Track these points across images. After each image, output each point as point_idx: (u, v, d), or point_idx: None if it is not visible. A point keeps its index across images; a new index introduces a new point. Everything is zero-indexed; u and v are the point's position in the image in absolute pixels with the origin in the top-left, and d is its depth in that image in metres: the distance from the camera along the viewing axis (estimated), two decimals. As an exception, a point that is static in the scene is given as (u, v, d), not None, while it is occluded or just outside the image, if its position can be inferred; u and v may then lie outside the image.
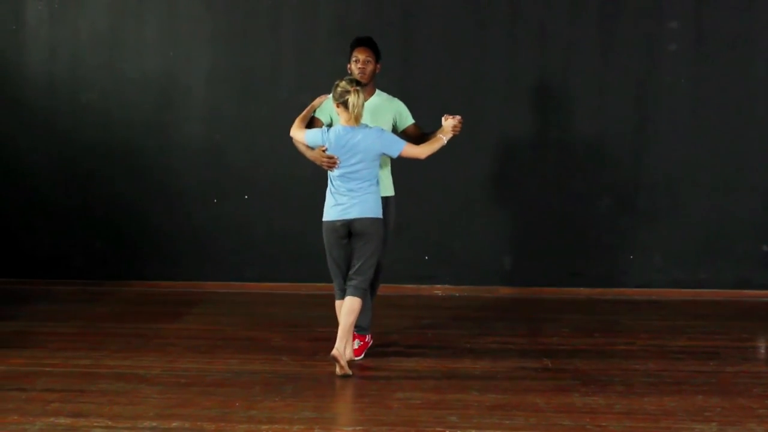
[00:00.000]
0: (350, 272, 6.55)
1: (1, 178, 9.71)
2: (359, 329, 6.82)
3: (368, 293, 6.72)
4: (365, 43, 6.89)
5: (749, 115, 9.12)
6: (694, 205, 9.19)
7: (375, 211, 6.52)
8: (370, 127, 6.50)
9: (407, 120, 7.02)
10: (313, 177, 9.02)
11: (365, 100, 6.57)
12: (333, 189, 6.55)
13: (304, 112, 6.77)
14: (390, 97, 7.03)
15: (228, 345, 7.42)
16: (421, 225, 9.30)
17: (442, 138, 6.63)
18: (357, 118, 6.42)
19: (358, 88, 6.37)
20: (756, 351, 7.52)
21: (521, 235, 9.35)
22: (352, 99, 6.33)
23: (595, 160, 9.25)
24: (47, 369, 6.76)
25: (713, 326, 8.10)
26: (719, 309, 8.74)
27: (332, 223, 6.54)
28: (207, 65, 9.51)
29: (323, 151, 6.45)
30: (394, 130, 6.95)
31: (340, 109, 6.42)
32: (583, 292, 9.26)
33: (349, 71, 6.77)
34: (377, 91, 6.96)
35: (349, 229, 6.50)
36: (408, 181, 9.15)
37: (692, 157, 9.17)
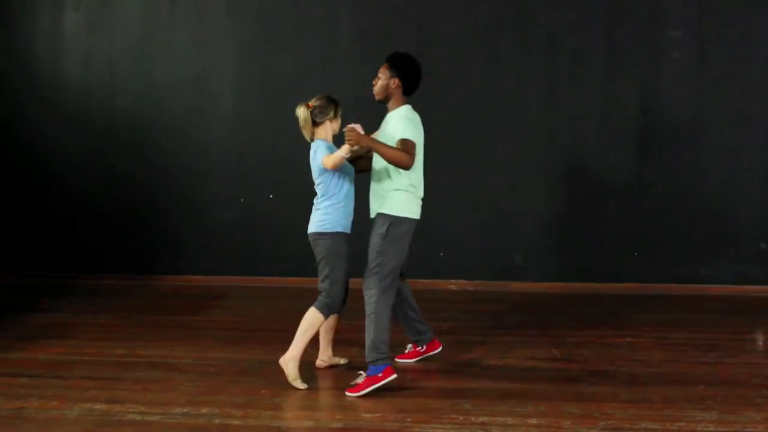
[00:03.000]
0: None
1: (42, 180, 9.79)
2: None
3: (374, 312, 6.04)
4: (385, 59, 6.28)
5: (748, 119, 9.09)
6: (696, 205, 9.17)
7: (317, 225, 6.15)
8: (316, 142, 6.14)
9: (395, 134, 5.97)
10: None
11: (389, 112, 6.21)
12: None
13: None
14: (398, 111, 6.15)
15: (254, 336, 7.45)
16: (437, 223, 9.30)
17: (342, 147, 5.92)
18: (307, 135, 6.19)
19: (304, 104, 6.10)
20: (754, 343, 7.52)
21: (531, 234, 9.35)
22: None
23: (601, 163, 9.25)
24: (85, 358, 6.83)
25: (713, 320, 8.09)
26: (719, 303, 8.72)
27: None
28: (234, 72, 9.54)
29: None
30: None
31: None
32: (590, 287, 9.25)
33: None
34: (402, 107, 6.18)
35: None
36: (427, 183, 9.19)
37: (693, 159, 9.15)
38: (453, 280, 9.43)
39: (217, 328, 7.81)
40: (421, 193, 6.20)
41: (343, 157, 5.88)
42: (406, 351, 6.66)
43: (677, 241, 9.22)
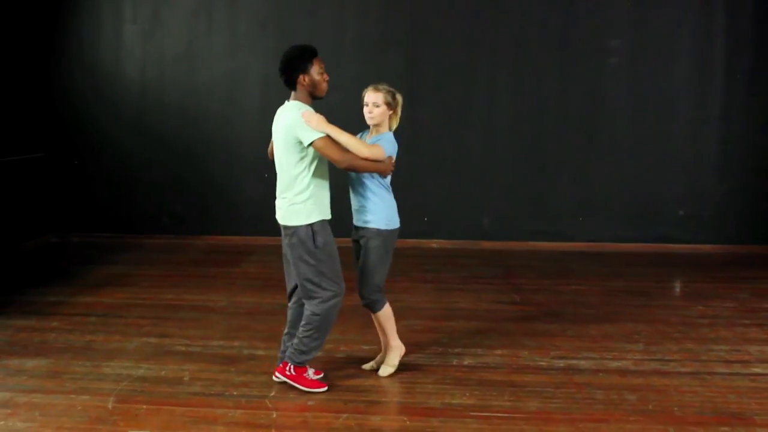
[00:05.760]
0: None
1: (107, 161, 9.76)
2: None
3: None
4: None
5: (672, 111, 9.07)
6: (631, 179, 9.16)
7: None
8: None
9: None
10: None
11: None
12: (391, 192, 4.93)
13: (351, 136, 4.60)
14: None
15: (276, 284, 7.42)
16: (422, 194, 9.31)
17: None
18: None
19: None
20: (673, 290, 7.54)
21: (498, 202, 9.34)
22: (401, 106, 4.88)
23: (556, 144, 9.22)
24: (141, 301, 6.86)
25: (642, 272, 8.10)
26: (647, 258, 8.73)
27: (398, 229, 4.96)
28: (260, 72, 9.48)
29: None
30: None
31: (395, 116, 4.87)
32: (545, 245, 9.26)
33: (319, 81, 4.73)
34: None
35: None
36: (414, 159, 9.18)
37: (629, 142, 9.13)
38: (435, 240, 9.44)
39: (246, 278, 7.83)
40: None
41: None
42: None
43: (615, 208, 9.22)
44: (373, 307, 4.93)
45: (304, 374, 4.76)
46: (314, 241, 4.61)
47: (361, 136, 4.87)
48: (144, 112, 9.66)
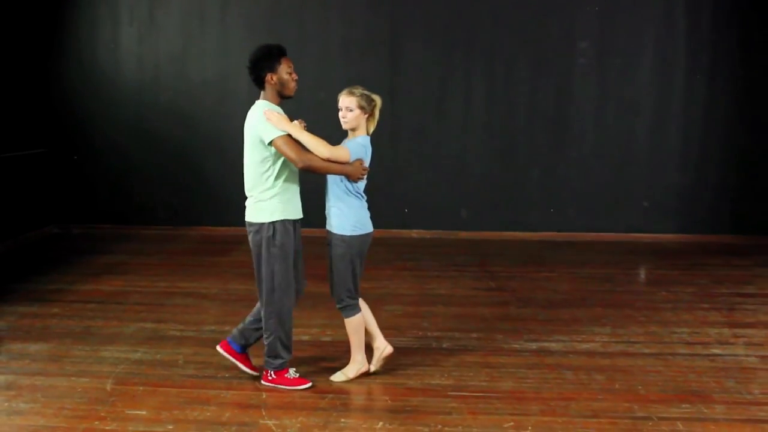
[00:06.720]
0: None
1: (105, 157, 9.68)
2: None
3: None
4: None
5: (636, 110, 9.09)
6: (598, 173, 9.18)
7: None
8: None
9: None
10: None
11: None
12: (363, 198, 4.60)
13: (313, 136, 4.40)
14: None
15: (266, 272, 7.44)
16: (403, 186, 9.30)
17: None
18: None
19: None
20: (638, 277, 7.57)
21: (474, 195, 9.33)
22: (379, 108, 4.58)
23: (528, 140, 9.23)
24: (138, 289, 6.82)
25: (609, 259, 8.14)
26: (614, 247, 8.76)
27: (370, 234, 4.64)
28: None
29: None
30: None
31: (372, 119, 4.54)
32: (518, 235, 9.26)
33: (287, 80, 4.62)
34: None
35: None
36: (396, 154, 9.17)
37: (596, 139, 9.16)
38: (415, 230, 9.43)
39: (237, 266, 7.76)
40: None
41: None
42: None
43: (583, 200, 9.25)
44: (343, 312, 4.66)
45: (285, 374, 4.58)
46: (273, 239, 4.43)
47: (344, 144, 4.54)
48: (140, 111, 9.57)
